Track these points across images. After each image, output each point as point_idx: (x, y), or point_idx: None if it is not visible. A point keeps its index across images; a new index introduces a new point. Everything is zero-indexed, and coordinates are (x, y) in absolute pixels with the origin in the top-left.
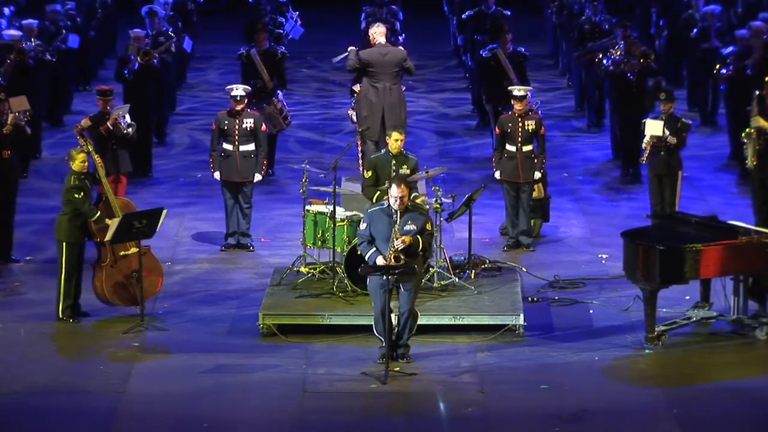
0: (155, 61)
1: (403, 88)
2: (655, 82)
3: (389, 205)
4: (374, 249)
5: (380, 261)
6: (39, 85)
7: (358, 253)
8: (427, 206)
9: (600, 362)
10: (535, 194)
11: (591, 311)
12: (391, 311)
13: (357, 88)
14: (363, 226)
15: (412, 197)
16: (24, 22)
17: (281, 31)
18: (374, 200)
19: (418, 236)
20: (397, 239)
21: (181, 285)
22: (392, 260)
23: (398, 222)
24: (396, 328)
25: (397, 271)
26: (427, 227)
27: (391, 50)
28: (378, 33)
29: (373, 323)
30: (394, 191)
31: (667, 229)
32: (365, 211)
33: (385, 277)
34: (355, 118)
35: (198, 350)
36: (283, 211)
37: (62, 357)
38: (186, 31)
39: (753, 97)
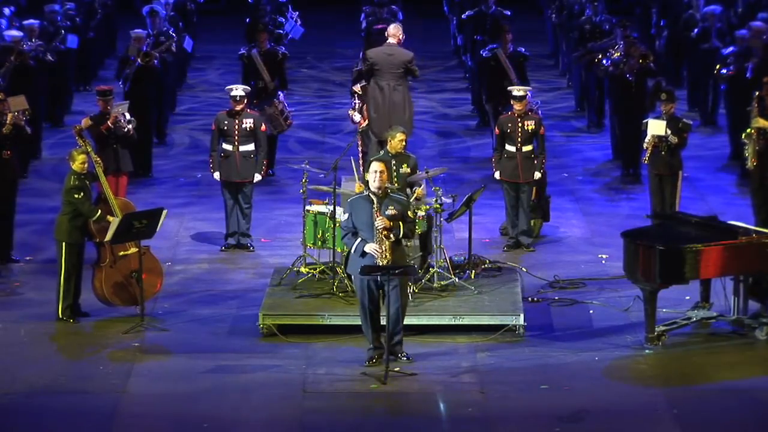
0: (155, 61)
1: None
2: (655, 82)
3: (369, 192)
4: (360, 239)
5: (369, 248)
6: (39, 85)
7: (344, 247)
8: (427, 205)
9: (600, 362)
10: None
11: (591, 311)
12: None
13: (357, 88)
14: (344, 216)
15: (413, 190)
16: (25, 22)
17: (281, 31)
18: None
19: (400, 222)
20: (378, 220)
21: (181, 285)
22: (383, 239)
23: (378, 206)
24: (387, 327)
25: (397, 272)
26: (409, 214)
27: (397, 51)
28: (391, 34)
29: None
30: (374, 166)
31: (667, 229)
32: (346, 202)
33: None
34: (355, 118)
35: (198, 350)
36: (283, 211)
37: (62, 357)
38: (186, 31)
39: (753, 98)
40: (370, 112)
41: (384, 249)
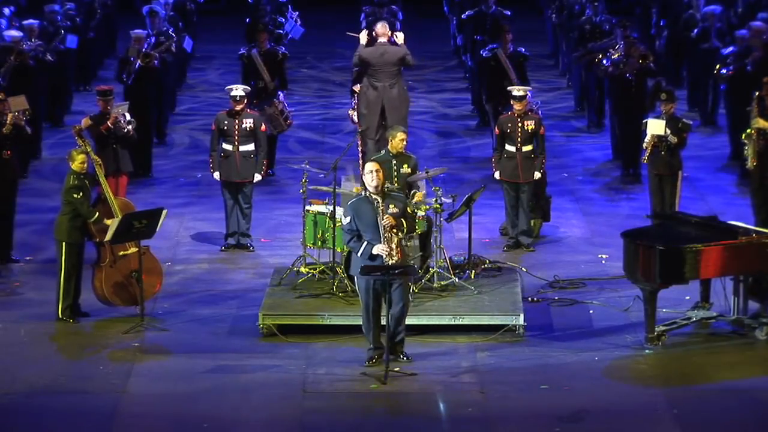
0: (156, 62)
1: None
2: (655, 82)
3: (367, 193)
4: (366, 242)
5: (378, 250)
6: (39, 85)
7: (347, 251)
8: (427, 206)
9: (600, 362)
10: None
11: (591, 311)
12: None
13: (357, 88)
14: (347, 220)
15: (411, 193)
16: (25, 22)
17: (281, 31)
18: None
19: (402, 219)
20: (384, 219)
21: (181, 285)
22: (391, 237)
23: (381, 206)
24: (389, 327)
25: (397, 272)
26: (408, 209)
27: (389, 49)
28: (380, 34)
29: (362, 323)
30: (368, 166)
31: (667, 229)
32: (345, 206)
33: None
34: (355, 118)
35: (198, 350)
36: (283, 211)
37: (62, 357)
38: (186, 31)
39: (753, 98)
40: (360, 109)
41: (393, 247)
